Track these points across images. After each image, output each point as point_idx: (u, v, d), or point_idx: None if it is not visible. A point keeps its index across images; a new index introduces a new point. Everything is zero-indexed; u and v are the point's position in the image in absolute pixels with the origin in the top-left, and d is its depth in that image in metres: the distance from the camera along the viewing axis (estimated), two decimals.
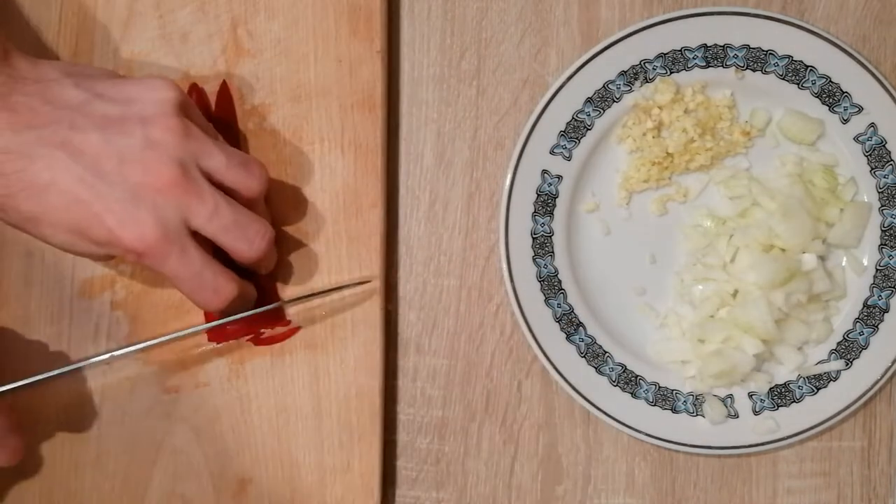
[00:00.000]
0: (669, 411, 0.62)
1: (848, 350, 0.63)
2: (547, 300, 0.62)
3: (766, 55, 0.62)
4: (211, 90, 0.63)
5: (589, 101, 0.62)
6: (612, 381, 0.62)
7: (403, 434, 0.64)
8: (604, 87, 0.62)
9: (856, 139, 0.63)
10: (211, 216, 0.53)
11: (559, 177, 0.62)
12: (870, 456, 0.64)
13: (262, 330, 0.61)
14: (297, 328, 0.62)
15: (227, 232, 0.54)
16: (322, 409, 0.61)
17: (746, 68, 0.62)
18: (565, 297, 0.63)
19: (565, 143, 0.62)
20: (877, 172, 0.62)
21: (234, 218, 0.54)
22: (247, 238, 0.55)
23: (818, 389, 0.62)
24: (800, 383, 0.63)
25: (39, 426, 0.61)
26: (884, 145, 0.62)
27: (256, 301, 0.60)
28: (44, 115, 0.51)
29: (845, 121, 0.63)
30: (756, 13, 0.62)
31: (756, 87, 0.63)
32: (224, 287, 0.55)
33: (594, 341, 0.63)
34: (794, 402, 0.63)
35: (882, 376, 0.62)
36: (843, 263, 0.64)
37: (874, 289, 0.63)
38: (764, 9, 0.62)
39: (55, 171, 0.51)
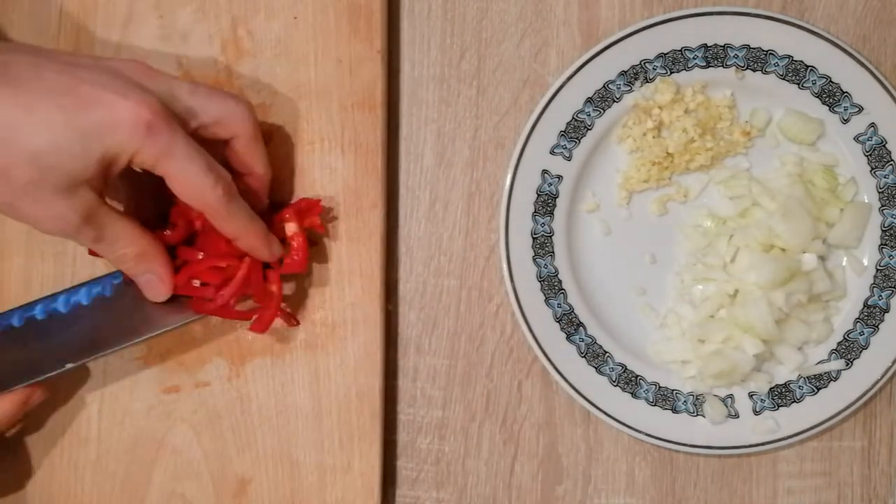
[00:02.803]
0: (670, 411, 0.62)
1: (848, 350, 0.62)
2: (547, 300, 0.62)
3: (766, 55, 0.62)
4: None
5: (589, 101, 0.62)
6: (612, 381, 0.62)
7: (403, 434, 0.64)
8: (604, 87, 0.62)
9: (856, 139, 0.63)
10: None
11: (559, 177, 0.62)
12: (870, 456, 0.64)
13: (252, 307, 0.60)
14: (290, 315, 0.61)
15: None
16: (322, 409, 0.61)
17: (746, 68, 0.62)
18: (565, 297, 0.63)
19: (565, 143, 0.62)
20: (877, 172, 0.62)
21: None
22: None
23: (818, 389, 0.62)
24: (800, 383, 0.63)
25: (39, 426, 0.61)
26: (884, 145, 0.62)
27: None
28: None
29: (845, 121, 0.63)
30: (756, 13, 0.62)
31: (756, 87, 0.63)
32: (226, 175, 0.53)
33: (594, 341, 0.63)
34: (795, 402, 0.63)
35: (882, 376, 0.62)
36: (844, 263, 0.64)
37: (874, 289, 0.63)
38: (764, 9, 0.62)
39: (31, 69, 0.49)
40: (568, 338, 0.62)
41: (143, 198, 0.58)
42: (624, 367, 0.63)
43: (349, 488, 0.61)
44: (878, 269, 0.63)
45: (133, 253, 0.54)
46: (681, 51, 0.62)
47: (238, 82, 0.63)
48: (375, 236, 0.62)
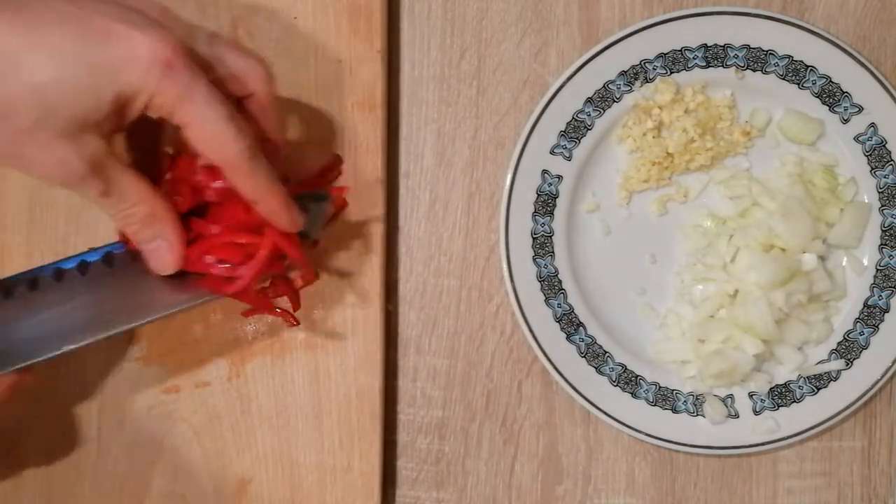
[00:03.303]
0: (670, 411, 0.62)
1: (848, 350, 0.62)
2: (547, 300, 0.62)
3: (766, 55, 0.62)
4: None
5: (589, 101, 0.62)
6: (612, 381, 0.62)
7: (403, 434, 0.64)
8: (604, 87, 0.62)
9: (856, 139, 0.63)
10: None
11: (559, 177, 0.62)
12: (870, 456, 0.64)
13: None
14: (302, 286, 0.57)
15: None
16: (322, 409, 0.61)
17: (746, 68, 0.62)
18: (565, 297, 0.63)
19: (565, 143, 0.62)
20: (877, 172, 0.62)
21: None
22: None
23: (818, 389, 0.62)
24: (800, 383, 0.63)
25: (40, 426, 0.61)
26: (884, 145, 0.62)
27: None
28: None
29: (845, 121, 0.63)
30: (756, 13, 0.62)
31: (756, 87, 0.63)
32: (248, 128, 0.47)
33: (594, 341, 0.63)
34: (795, 402, 0.63)
35: (882, 376, 0.62)
36: (844, 263, 0.64)
37: (874, 289, 0.63)
38: (764, 9, 0.62)
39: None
40: (568, 338, 0.62)
41: (146, 163, 0.53)
42: (624, 367, 0.63)
43: (349, 488, 0.61)
44: (878, 269, 0.63)
45: (142, 213, 0.49)
46: (681, 51, 0.62)
47: None
48: (375, 236, 0.62)
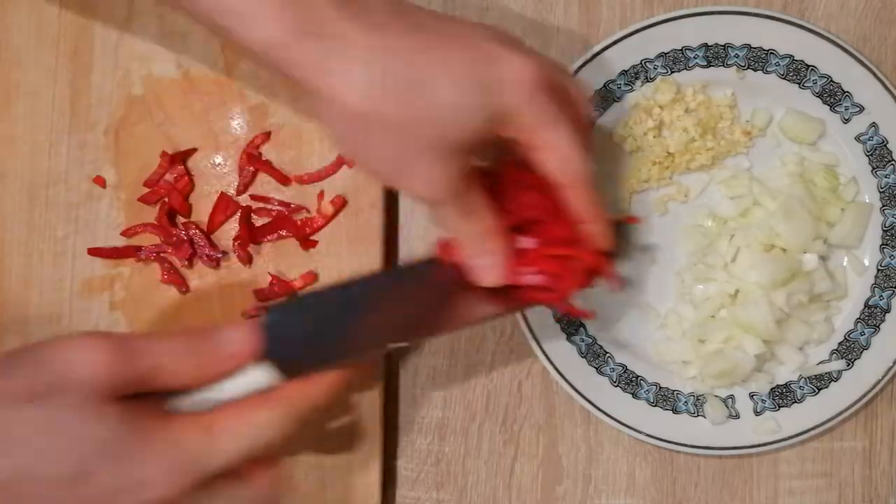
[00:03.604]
0: (670, 412, 0.62)
1: (849, 350, 0.62)
2: None
3: (766, 55, 0.62)
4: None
5: (589, 100, 0.62)
6: (612, 382, 0.62)
7: (403, 434, 0.64)
8: (604, 86, 0.62)
9: (857, 139, 0.62)
10: None
11: None
12: (871, 456, 0.64)
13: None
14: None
15: None
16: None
17: (747, 68, 0.62)
18: None
19: None
20: (878, 172, 0.62)
21: None
22: None
23: (819, 390, 0.62)
24: (801, 384, 0.63)
25: None
26: (885, 145, 0.62)
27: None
28: None
29: (846, 120, 0.62)
30: (757, 13, 0.62)
31: (757, 86, 0.63)
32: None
33: (594, 341, 0.62)
34: (796, 402, 0.62)
35: (883, 376, 0.61)
36: (845, 263, 0.63)
37: (875, 289, 0.62)
38: (765, 8, 0.62)
39: (432, 17, 0.47)
40: (568, 338, 0.62)
41: None
42: (624, 367, 0.63)
43: (349, 489, 0.61)
44: (879, 269, 0.63)
45: (484, 228, 0.50)
46: (681, 50, 0.62)
47: (237, 82, 0.63)
48: (375, 236, 0.62)
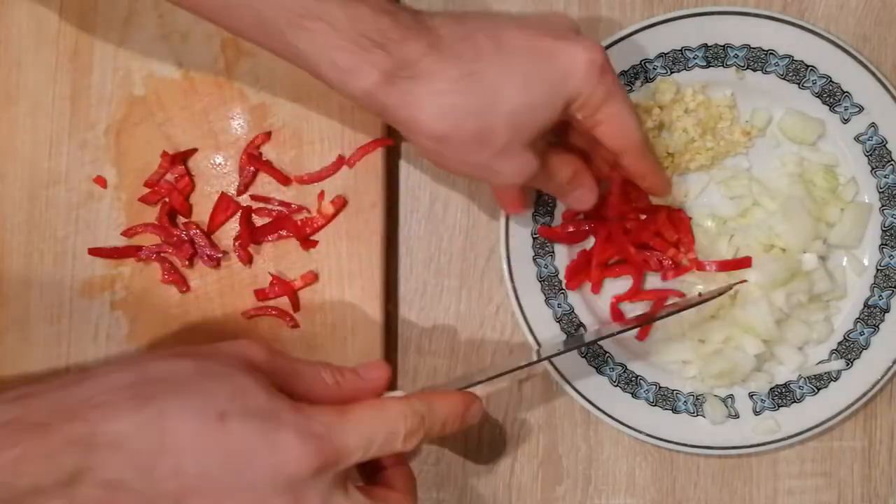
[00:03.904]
0: (670, 412, 0.62)
1: (848, 350, 0.62)
2: (547, 300, 0.62)
3: (766, 55, 0.62)
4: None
5: None
6: (612, 382, 0.62)
7: None
8: None
9: (856, 139, 0.62)
10: None
11: None
12: (870, 456, 0.64)
13: None
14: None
15: None
16: None
17: (747, 68, 0.62)
18: (565, 298, 0.63)
19: None
20: (877, 172, 0.62)
21: None
22: None
23: (819, 389, 0.62)
24: (800, 383, 0.63)
25: None
26: (884, 145, 0.62)
27: None
28: None
29: (846, 121, 0.62)
30: (756, 13, 0.62)
31: (756, 87, 0.63)
32: None
33: (595, 341, 0.63)
34: (795, 402, 0.62)
35: (883, 376, 0.62)
36: (844, 263, 0.64)
37: (875, 289, 0.63)
38: (764, 8, 0.62)
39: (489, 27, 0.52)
40: (568, 338, 0.62)
41: None
42: (624, 367, 0.63)
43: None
44: (878, 270, 0.63)
45: (569, 174, 0.57)
46: (681, 51, 0.62)
47: (238, 82, 0.63)
48: (375, 236, 0.62)
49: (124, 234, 0.63)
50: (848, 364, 0.62)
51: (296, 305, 0.61)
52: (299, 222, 0.62)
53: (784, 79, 0.62)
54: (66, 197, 0.63)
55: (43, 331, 0.62)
